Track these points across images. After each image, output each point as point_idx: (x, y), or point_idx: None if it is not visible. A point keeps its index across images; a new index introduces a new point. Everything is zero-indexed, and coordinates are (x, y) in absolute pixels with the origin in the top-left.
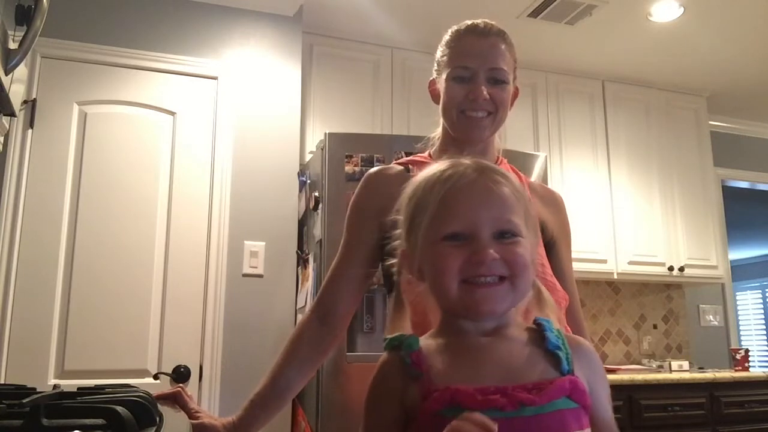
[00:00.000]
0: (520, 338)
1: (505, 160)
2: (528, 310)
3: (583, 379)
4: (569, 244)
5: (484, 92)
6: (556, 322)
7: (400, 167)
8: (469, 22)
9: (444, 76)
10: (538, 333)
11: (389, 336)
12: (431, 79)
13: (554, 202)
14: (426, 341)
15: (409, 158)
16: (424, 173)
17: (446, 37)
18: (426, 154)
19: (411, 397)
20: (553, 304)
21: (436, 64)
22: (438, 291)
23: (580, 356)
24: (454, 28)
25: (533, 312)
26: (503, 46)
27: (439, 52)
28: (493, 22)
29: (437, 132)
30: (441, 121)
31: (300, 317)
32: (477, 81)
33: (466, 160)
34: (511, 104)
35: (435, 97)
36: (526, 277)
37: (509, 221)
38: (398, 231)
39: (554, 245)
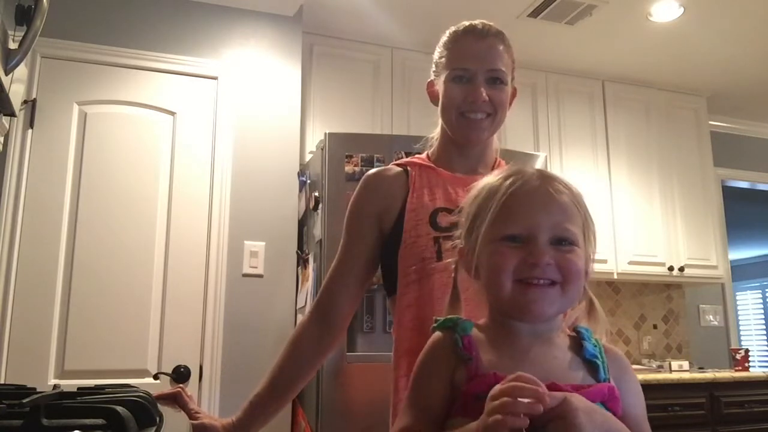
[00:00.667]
0: (562, 344)
1: (503, 162)
2: (578, 320)
3: (614, 383)
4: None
5: (483, 94)
6: (601, 335)
7: (399, 168)
8: (467, 23)
9: (443, 77)
10: (578, 341)
11: (441, 317)
12: (429, 80)
13: None
14: (475, 332)
15: (407, 159)
16: (488, 178)
17: (444, 38)
18: (424, 155)
19: (459, 377)
20: (605, 319)
21: (434, 65)
22: (492, 288)
23: (613, 363)
24: (452, 29)
25: (582, 323)
26: (501, 47)
27: (437, 53)
28: (491, 23)
29: (435, 133)
30: (439, 122)
31: (300, 317)
32: (476, 83)
33: (530, 169)
34: (510, 105)
35: (433, 98)
36: (577, 284)
37: (567, 229)
38: (458, 231)
39: None
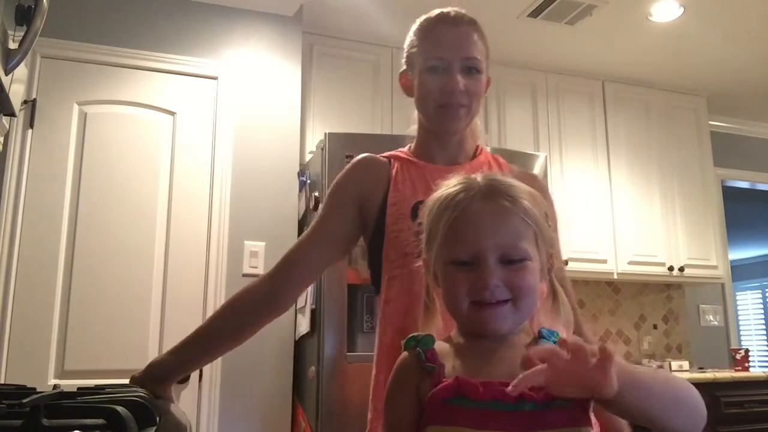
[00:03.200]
0: (524, 344)
1: (485, 149)
2: (542, 311)
3: None
4: (555, 227)
5: (461, 84)
6: (563, 332)
7: (385, 159)
8: (439, 11)
9: (417, 68)
10: (538, 341)
11: (405, 339)
12: (401, 71)
13: (534, 185)
14: (440, 344)
15: (391, 153)
16: (441, 191)
17: (415, 26)
18: (406, 148)
19: (425, 389)
20: (569, 308)
21: (405, 55)
22: (450, 307)
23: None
24: (424, 17)
25: (547, 314)
26: (475, 36)
27: (409, 42)
28: (463, 11)
29: (412, 128)
30: (415, 114)
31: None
32: (452, 72)
33: (479, 179)
34: (484, 94)
35: (407, 89)
36: (530, 299)
37: (515, 247)
38: (423, 236)
39: None
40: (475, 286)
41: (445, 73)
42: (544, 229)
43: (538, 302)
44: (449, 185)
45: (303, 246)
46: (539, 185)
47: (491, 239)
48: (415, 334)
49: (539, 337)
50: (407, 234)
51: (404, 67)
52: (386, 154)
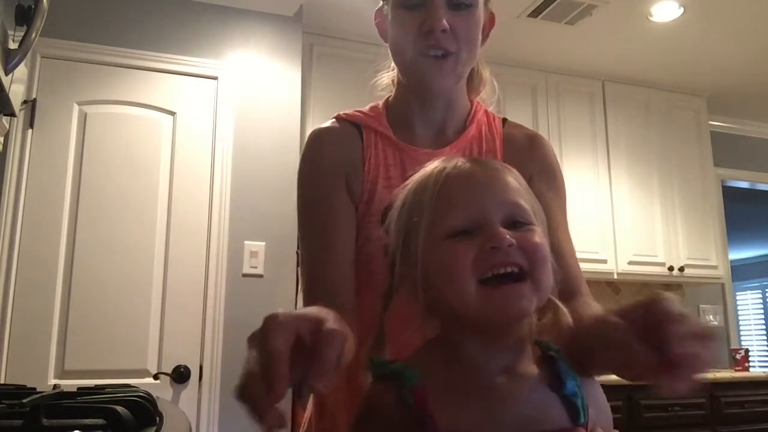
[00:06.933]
0: (533, 376)
1: (483, 107)
2: (541, 332)
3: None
4: (556, 187)
5: (443, 21)
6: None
7: (349, 124)
8: None
9: (390, 2)
10: (550, 369)
11: (376, 360)
12: (378, 7)
13: (533, 145)
14: (425, 374)
15: (361, 115)
16: (412, 179)
17: None
18: (381, 105)
19: None
20: (570, 321)
21: None
22: (452, 300)
23: (587, 389)
24: None
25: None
26: None
27: None
28: None
29: (383, 78)
30: (391, 67)
31: None
32: (432, 5)
33: (458, 157)
34: (486, 36)
35: (383, 33)
36: (547, 272)
37: (519, 205)
38: (389, 255)
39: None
40: (483, 249)
41: (424, 7)
42: (538, 209)
43: (551, 284)
44: (421, 171)
45: (334, 273)
46: (542, 143)
47: (492, 198)
48: (396, 363)
49: (543, 349)
50: (375, 246)
51: (380, 2)
52: (350, 117)
